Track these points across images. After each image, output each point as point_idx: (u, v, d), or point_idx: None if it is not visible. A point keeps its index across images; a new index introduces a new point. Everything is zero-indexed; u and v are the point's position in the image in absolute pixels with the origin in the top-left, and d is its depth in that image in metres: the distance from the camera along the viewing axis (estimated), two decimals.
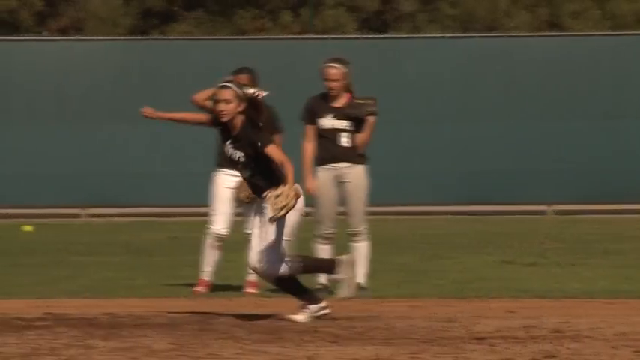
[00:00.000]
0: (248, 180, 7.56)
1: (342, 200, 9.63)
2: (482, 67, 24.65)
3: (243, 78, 9.94)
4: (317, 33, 30.77)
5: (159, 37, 30.17)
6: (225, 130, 7.46)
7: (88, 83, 23.86)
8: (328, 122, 9.77)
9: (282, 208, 7.02)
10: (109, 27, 31.34)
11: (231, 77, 9.61)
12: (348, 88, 9.49)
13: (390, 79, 23.91)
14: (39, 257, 14.81)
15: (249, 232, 9.81)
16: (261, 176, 7.28)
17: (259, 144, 7.19)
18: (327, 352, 5.31)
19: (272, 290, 9.70)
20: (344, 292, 7.79)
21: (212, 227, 10.18)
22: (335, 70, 9.66)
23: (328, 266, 8.15)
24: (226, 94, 7.30)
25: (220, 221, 10.00)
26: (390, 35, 31.47)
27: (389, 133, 21.89)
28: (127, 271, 12.77)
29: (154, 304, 8.86)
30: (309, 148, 9.72)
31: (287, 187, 7.03)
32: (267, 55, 23.48)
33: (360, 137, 9.45)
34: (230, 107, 7.21)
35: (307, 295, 7.60)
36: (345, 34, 31.17)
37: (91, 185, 23.42)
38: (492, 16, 33.41)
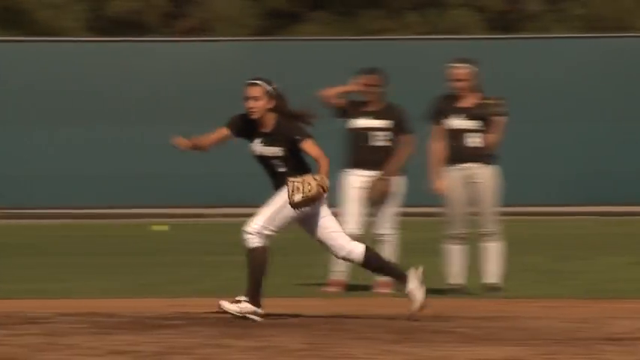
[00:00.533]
0: (284, 175, 7.30)
1: (473, 201, 9.48)
2: (609, 67, 24.20)
3: (373, 78, 10.10)
4: (442, 33, 30.73)
5: (283, 38, 30.32)
6: (251, 129, 7.40)
7: (214, 84, 24.10)
8: (455, 122, 9.75)
9: (299, 193, 6.94)
10: (234, 28, 31.61)
11: (369, 76, 9.91)
12: (476, 88, 9.43)
13: (516, 78, 23.52)
14: (172, 257, 15.08)
15: (379, 232, 9.99)
16: (296, 171, 7.19)
17: (297, 137, 7.18)
18: (460, 353, 5.30)
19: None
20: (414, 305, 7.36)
21: (344, 227, 10.20)
22: (461, 70, 9.65)
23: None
24: (255, 91, 7.30)
25: (352, 221, 10.02)
26: (516, 35, 31.01)
27: (516, 133, 21.88)
28: None
29: (287, 303, 8.88)
30: (437, 148, 9.69)
31: (310, 176, 7.01)
32: (391, 55, 23.38)
33: (491, 137, 9.40)
34: (259, 104, 7.20)
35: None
36: (470, 34, 31.04)
37: (223, 184, 23.53)
38: (619, 15, 32.89)
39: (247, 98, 7.30)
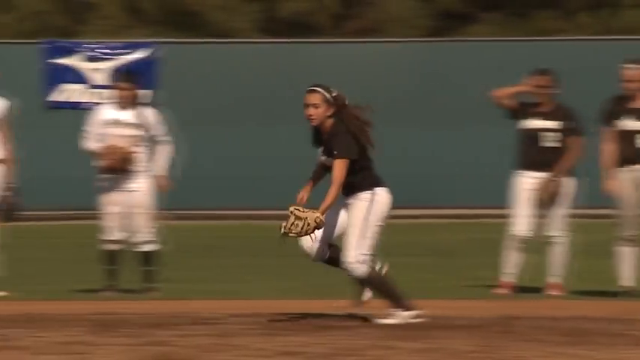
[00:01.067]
0: (351, 185, 7.27)
1: None
2: None
3: (544, 79, 10.13)
4: (615, 33, 30.03)
5: (455, 39, 29.69)
6: (319, 137, 7.47)
7: (386, 84, 24.05)
8: (627, 124, 9.67)
9: (295, 230, 6.90)
10: (405, 29, 31.38)
11: (532, 78, 9.98)
12: None
13: None
14: None
15: (549, 234, 10.31)
16: (364, 181, 7.17)
17: (335, 152, 7.19)
18: (633, 355, 5.33)
19: (576, 292, 9.79)
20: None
21: (514, 229, 10.29)
22: (634, 71, 9.51)
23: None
24: (314, 98, 7.35)
25: (522, 223, 10.13)
26: None
27: None
28: (429, 273, 12.81)
29: (456, 305, 8.98)
30: (609, 149, 9.59)
31: (314, 213, 6.93)
32: (563, 56, 22.99)
33: None
34: (319, 112, 7.25)
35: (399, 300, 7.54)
36: None
37: (399, 185, 24.18)
38: None
39: (307, 105, 7.36)
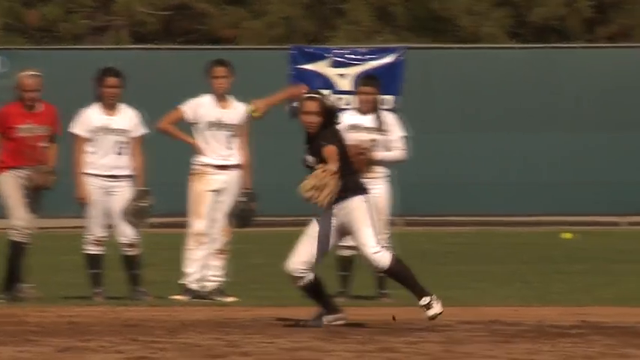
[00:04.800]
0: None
1: None
2: None
3: None
4: None
5: None
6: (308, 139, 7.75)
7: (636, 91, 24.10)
8: None
9: (311, 189, 7.16)
10: None
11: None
12: None
13: None
14: (578, 265, 14.99)
15: None
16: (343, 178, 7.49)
17: (322, 143, 7.34)
18: None
19: None
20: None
21: None
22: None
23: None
24: (313, 106, 7.52)
25: None
26: None
27: None
28: None
29: None
30: None
31: (320, 169, 7.24)
32: None
33: None
34: (318, 120, 7.39)
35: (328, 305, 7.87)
36: None
37: (630, 193, 23.73)
38: None
39: (306, 113, 7.58)
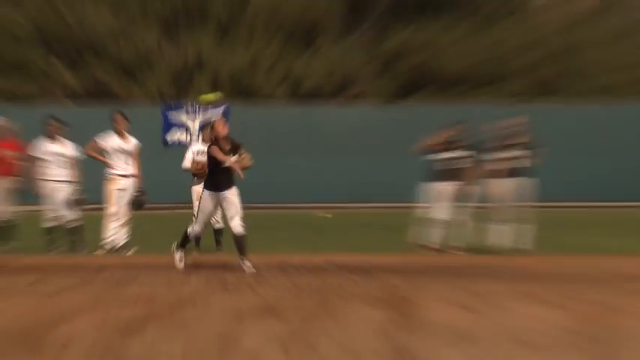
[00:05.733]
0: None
1: None
2: None
3: None
4: None
5: None
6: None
7: None
8: None
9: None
10: None
11: None
12: None
13: None
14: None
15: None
16: (220, 176, 10.11)
17: (208, 145, 9.73)
18: None
19: None
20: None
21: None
22: None
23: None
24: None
25: None
26: None
27: None
28: None
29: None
30: None
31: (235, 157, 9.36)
32: None
33: None
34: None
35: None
36: None
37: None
38: None
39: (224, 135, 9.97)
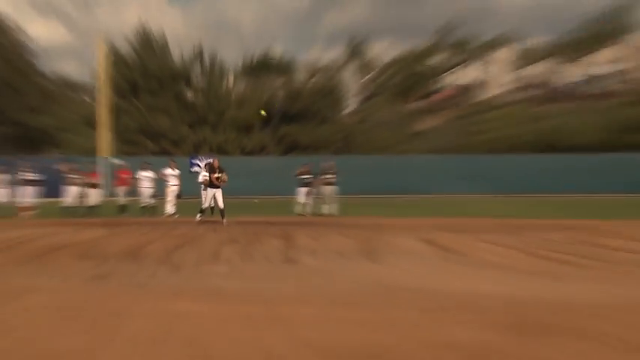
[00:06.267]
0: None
1: None
2: None
3: None
4: None
5: None
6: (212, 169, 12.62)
7: None
8: None
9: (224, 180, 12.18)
10: None
11: None
12: None
13: None
14: None
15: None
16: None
17: (219, 169, 12.88)
18: None
19: None
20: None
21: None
22: None
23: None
24: (216, 163, 13.03)
25: None
26: None
27: None
28: None
29: None
30: None
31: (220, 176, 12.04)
32: None
33: None
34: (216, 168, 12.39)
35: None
36: None
37: None
38: None
39: (216, 167, 13.12)
